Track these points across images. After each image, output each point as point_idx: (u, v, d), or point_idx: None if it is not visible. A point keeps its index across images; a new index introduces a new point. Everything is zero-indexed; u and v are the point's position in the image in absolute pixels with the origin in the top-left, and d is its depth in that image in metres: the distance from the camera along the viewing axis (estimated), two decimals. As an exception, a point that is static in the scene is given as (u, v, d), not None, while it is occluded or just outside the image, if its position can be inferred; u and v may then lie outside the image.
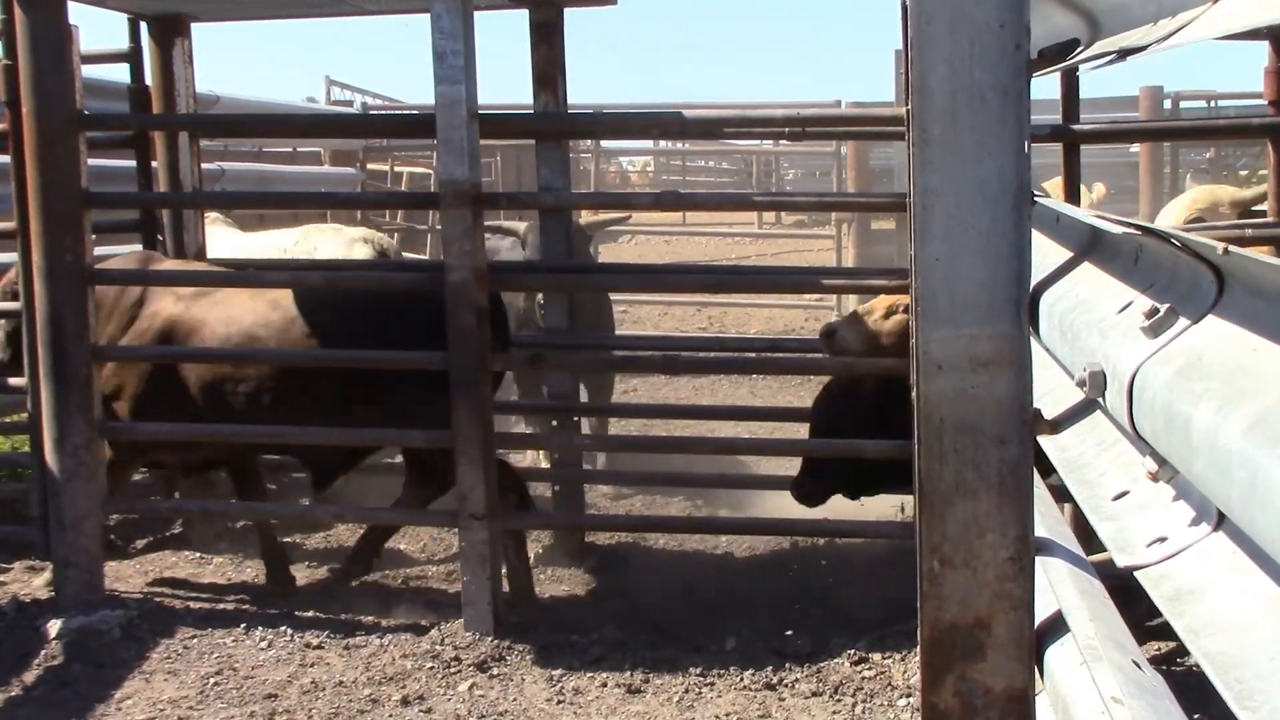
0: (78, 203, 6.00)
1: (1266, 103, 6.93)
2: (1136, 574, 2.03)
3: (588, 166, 19.35)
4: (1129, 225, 2.47)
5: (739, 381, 10.26)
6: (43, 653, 5.59)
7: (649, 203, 10.15)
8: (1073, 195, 6.40)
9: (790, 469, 6.65)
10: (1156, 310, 2.10)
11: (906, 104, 4.31)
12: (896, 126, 6.09)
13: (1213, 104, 18.54)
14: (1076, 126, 6.36)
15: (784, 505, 7.05)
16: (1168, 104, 14.98)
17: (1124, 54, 2.77)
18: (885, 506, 6.96)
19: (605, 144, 19.68)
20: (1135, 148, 15.07)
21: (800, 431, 6.55)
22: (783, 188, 25.70)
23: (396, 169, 19.57)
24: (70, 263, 5.96)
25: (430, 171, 19.46)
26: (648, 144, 24.99)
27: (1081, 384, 2.27)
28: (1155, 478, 2.07)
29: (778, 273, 8.67)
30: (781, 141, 19.50)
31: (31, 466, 6.29)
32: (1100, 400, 2.28)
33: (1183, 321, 2.06)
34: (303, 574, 6.73)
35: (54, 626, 5.72)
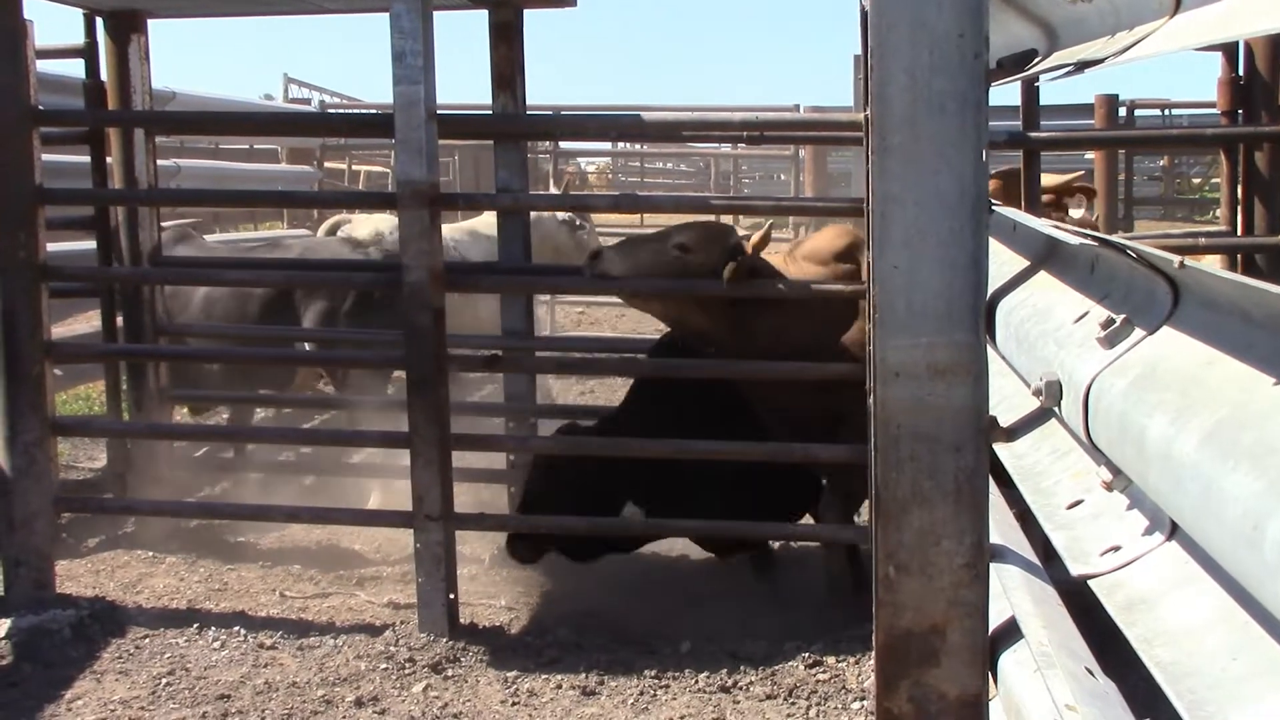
0: (31, 199, 5.95)
1: (1219, 112, 7.02)
2: (1090, 583, 2.05)
3: (546, 167, 19.32)
4: (1085, 235, 2.49)
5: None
6: (-9, 653, 5.54)
7: (607, 205, 10.17)
8: (1032, 201, 6.46)
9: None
10: (1112, 320, 2.12)
11: (865, 110, 4.34)
12: (854, 132, 6.12)
13: (1167, 113, 18.70)
14: (1034, 134, 6.42)
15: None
16: (1123, 112, 15.09)
17: (1082, 66, 2.79)
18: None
19: (563, 145, 19.66)
20: (1091, 154, 15.20)
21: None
22: (741, 190, 25.73)
23: (354, 167, 19.52)
24: (23, 259, 5.91)
25: (388, 170, 19.43)
26: (606, 145, 24.96)
27: (1038, 393, 2.29)
28: (1110, 487, 2.09)
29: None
30: (739, 145, 19.56)
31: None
32: (1056, 409, 2.30)
33: (1138, 332, 2.07)
34: (256, 573, 6.69)
35: (3, 626, 5.65)
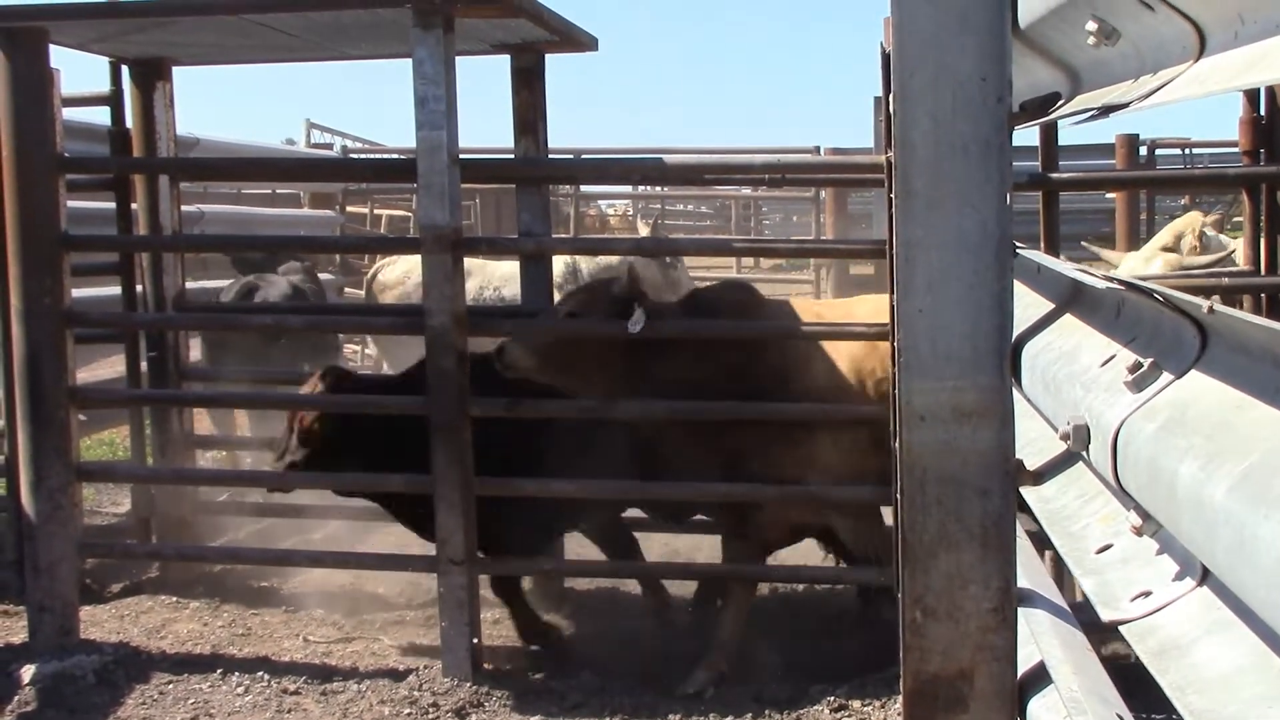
0: (56, 245, 5.99)
1: (1241, 152, 7.00)
2: (1121, 628, 2.03)
3: (567, 210, 19.38)
4: (1110, 279, 2.49)
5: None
6: (16, 699, 5.54)
7: (630, 248, 10.18)
8: (1052, 243, 6.44)
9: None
10: (1140, 364, 2.11)
11: (886, 152, 4.34)
12: (876, 174, 6.12)
13: (1188, 152, 18.69)
14: (1055, 175, 6.41)
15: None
16: (1143, 151, 15.06)
17: (1106, 110, 2.79)
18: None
19: (585, 188, 19.72)
20: (1112, 195, 15.18)
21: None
22: (761, 231, 25.76)
23: (376, 211, 19.59)
24: (49, 305, 5.95)
25: (409, 214, 19.49)
26: (627, 188, 25.02)
27: (1065, 437, 2.27)
28: (1139, 532, 2.08)
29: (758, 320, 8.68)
30: (760, 188, 19.59)
31: (7, 509, 6.25)
32: (1084, 453, 2.29)
33: (1166, 376, 2.06)
34: (279, 618, 6.69)
35: (28, 672, 5.67)
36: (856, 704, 5.38)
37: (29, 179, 5.91)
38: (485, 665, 5.80)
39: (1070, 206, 14.70)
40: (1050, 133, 6.44)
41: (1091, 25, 2.45)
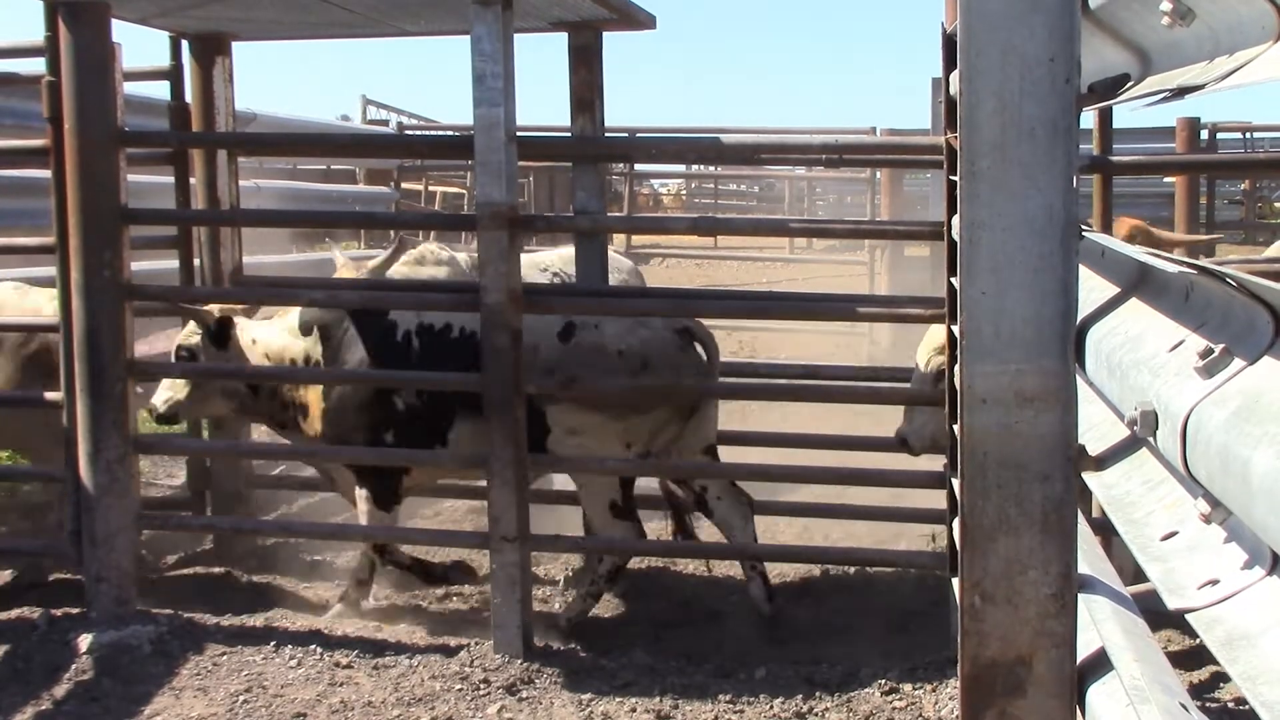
0: (117, 218, 6.03)
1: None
2: (1188, 617, 2.01)
3: (620, 189, 19.37)
4: (1181, 263, 2.46)
5: (770, 407, 10.20)
6: (73, 667, 5.60)
7: (685, 227, 10.15)
8: (1107, 227, 6.39)
9: (824, 495, 6.63)
10: (1211, 350, 2.08)
11: (945, 133, 4.30)
12: (934, 155, 6.08)
13: (1249, 136, 18.50)
14: (1114, 158, 6.36)
15: (815, 533, 7.02)
16: (1204, 135, 14.91)
17: (1182, 92, 2.75)
18: (916, 536, 6.93)
19: (638, 166, 19.69)
20: (1170, 179, 15.04)
21: (835, 459, 6.53)
22: (815, 213, 25.66)
23: (430, 188, 19.66)
24: (108, 278, 5.99)
25: (464, 191, 19.54)
26: (680, 167, 24.99)
27: (1132, 423, 2.25)
28: (1208, 520, 2.05)
29: (814, 299, 8.65)
30: (814, 168, 19.51)
31: (65, 481, 6.30)
32: (1151, 440, 2.27)
33: (1238, 362, 2.03)
34: (332, 592, 6.73)
35: (85, 641, 5.73)
36: (908, 687, 5.36)
37: (91, 152, 5.95)
38: (536, 642, 5.82)
39: (1127, 190, 14.59)
40: (1106, 115, 6.39)
41: (1166, 5, 2.41)
